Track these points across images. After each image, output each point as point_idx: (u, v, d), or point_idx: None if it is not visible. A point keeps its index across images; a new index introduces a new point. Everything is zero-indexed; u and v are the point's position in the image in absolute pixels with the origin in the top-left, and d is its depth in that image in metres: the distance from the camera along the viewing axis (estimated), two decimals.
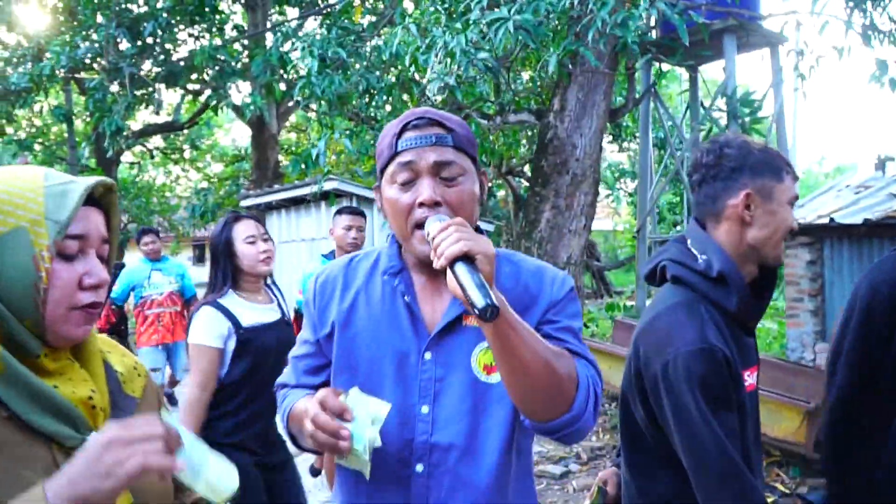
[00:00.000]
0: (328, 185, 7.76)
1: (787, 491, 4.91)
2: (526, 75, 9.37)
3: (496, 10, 4.86)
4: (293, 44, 7.55)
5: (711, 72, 21.00)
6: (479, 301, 1.07)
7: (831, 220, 5.76)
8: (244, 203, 10.15)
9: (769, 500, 4.81)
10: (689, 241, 1.70)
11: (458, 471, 1.36)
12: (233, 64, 9.23)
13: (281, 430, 1.60)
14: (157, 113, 12.83)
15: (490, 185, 17.16)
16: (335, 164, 13.77)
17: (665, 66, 9.04)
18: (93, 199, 1.11)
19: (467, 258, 1.13)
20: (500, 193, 17.58)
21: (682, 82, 12.41)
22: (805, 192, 8.38)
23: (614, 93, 8.22)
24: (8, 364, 0.99)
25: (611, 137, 15.09)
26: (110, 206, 1.15)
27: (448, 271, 1.15)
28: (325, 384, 1.49)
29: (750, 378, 1.64)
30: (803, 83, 6.22)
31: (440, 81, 5.16)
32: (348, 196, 8.17)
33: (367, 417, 1.25)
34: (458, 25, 4.75)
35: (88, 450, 0.93)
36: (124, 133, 10.37)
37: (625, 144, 15.95)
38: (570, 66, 6.00)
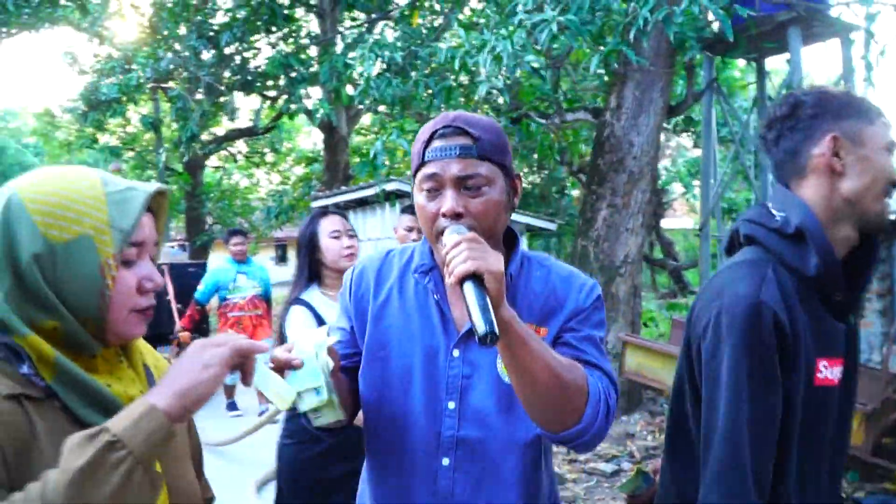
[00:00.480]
0: (390, 187, 7.96)
1: (844, 495, 4.77)
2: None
3: (544, 10, 4.92)
4: (359, 50, 7.78)
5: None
6: (480, 327, 1.11)
7: None
8: (315, 204, 10.51)
9: None
10: (770, 204, 1.48)
11: (484, 465, 1.41)
12: (303, 71, 9.55)
13: None
14: (232, 120, 13.37)
15: (565, 184, 17.13)
16: (407, 165, 14.03)
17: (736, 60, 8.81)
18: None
19: (476, 277, 1.16)
20: (575, 192, 17.47)
21: (752, 74, 12.07)
22: None
23: (676, 88, 8.10)
24: (60, 367, 1.03)
25: (687, 133, 14.79)
26: (160, 210, 1.19)
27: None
28: (354, 370, 1.54)
29: (828, 371, 1.38)
30: (871, 73, 5.99)
31: (489, 84, 5.26)
32: (410, 197, 8.36)
33: (312, 353, 1.28)
34: (504, 31, 4.82)
35: (183, 356, 1.04)
36: (201, 139, 10.88)
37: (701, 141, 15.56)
38: (620, 65, 5.97)
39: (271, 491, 3.07)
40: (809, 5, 6.30)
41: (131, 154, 19.63)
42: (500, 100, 7.80)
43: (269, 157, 22.23)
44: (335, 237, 2.81)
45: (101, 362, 1.10)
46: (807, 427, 1.36)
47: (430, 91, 6.86)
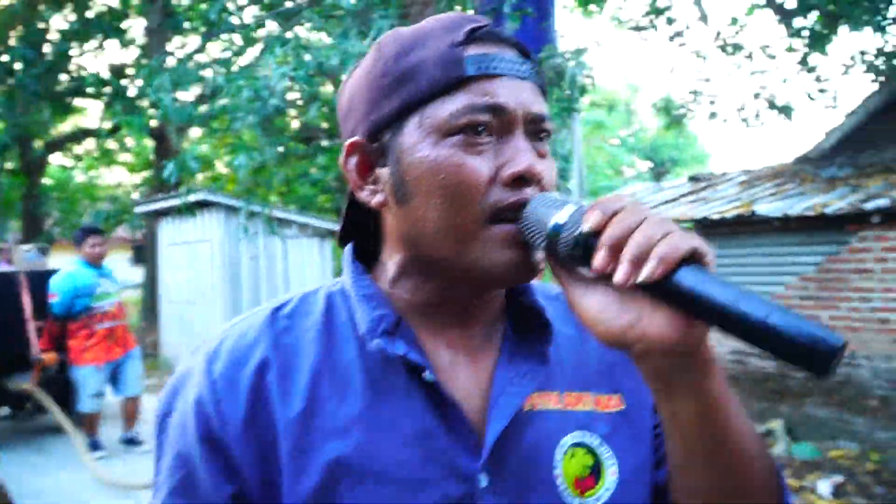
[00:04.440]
0: (198, 196, 8.95)
1: None
2: None
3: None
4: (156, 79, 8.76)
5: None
6: (821, 334, 0.51)
7: None
8: (139, 209, 11.27)
9: None
10: None
11: None
12: (121, 86, 10.37)
13: None
14: (48, 131, 13.84)
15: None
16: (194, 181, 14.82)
17: None
18: None
19: (695, 260, 0.58)
20: None
21: None
22: None
23: None
24: None
25: None
26: None
27: (631, 292, 0.61)
28: None
29: None
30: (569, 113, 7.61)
31: (245, 118, 6.46)
32: (217, 206, 9.36)
33: None
34: (241, 80, 6.05)
35: None
36: (14, 148, 11.40)
37: None
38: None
39: None
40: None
41: None
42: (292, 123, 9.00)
43: (117, 158, 22.34)
44: None
45: None
46: None
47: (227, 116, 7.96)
